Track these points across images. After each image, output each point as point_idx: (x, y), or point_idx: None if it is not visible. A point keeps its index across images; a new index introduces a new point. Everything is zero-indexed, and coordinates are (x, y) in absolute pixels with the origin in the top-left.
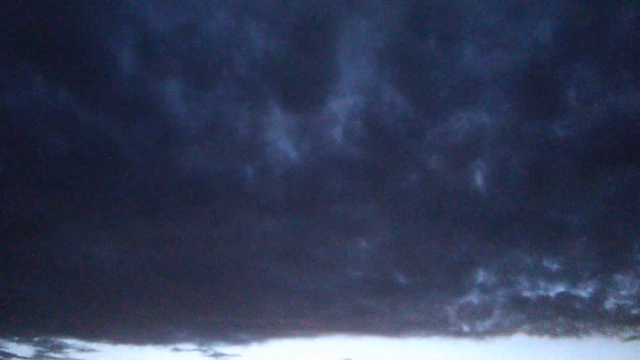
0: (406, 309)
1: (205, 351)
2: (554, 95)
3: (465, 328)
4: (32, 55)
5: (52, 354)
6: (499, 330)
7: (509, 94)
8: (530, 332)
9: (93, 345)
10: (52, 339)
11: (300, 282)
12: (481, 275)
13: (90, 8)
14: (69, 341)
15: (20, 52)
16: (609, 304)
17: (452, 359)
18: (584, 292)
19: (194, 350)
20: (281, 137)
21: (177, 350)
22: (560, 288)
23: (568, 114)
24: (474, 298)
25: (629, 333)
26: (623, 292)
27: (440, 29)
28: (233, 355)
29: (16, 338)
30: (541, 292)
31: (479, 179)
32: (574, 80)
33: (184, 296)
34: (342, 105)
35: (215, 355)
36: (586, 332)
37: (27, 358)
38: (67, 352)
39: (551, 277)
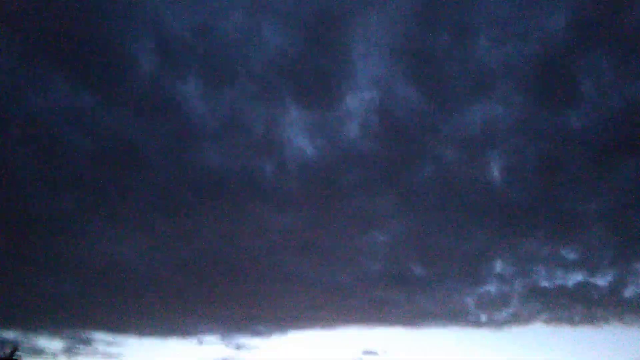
0: (424, 300)
1: (227, 343)
2: (568, 86)
3: (483, 318)
4: (55, 59)
5: (80, 348)
6: (517, 319)
7: (523, 86)
8: (549, 321)
9: (120, 338)
10: (81, 333)
11: (318, 275)
12: (498, 266)
13: (109, 12)
14: (97, 335)
15: (43, 56)
16: (628, 292)
17: (470, 349)
18: (602, 280)
19: (216, 342)
20: (297, 133)
21: (200, 342)
22: (578, 277)
23: (582, 104)
24: (491, 288)
25: None
26: None
27: (453, 22)
28: (254, 346)
29: (46, 333)
30: (559, 281)
31: (494, 171)
32: (588, 70)
33: (206, 290)
34: (356, 101)
35: (238, 346)
36: (605, 320)
37: (57, 352)
38: (95, 346)
39: (568, 266)
